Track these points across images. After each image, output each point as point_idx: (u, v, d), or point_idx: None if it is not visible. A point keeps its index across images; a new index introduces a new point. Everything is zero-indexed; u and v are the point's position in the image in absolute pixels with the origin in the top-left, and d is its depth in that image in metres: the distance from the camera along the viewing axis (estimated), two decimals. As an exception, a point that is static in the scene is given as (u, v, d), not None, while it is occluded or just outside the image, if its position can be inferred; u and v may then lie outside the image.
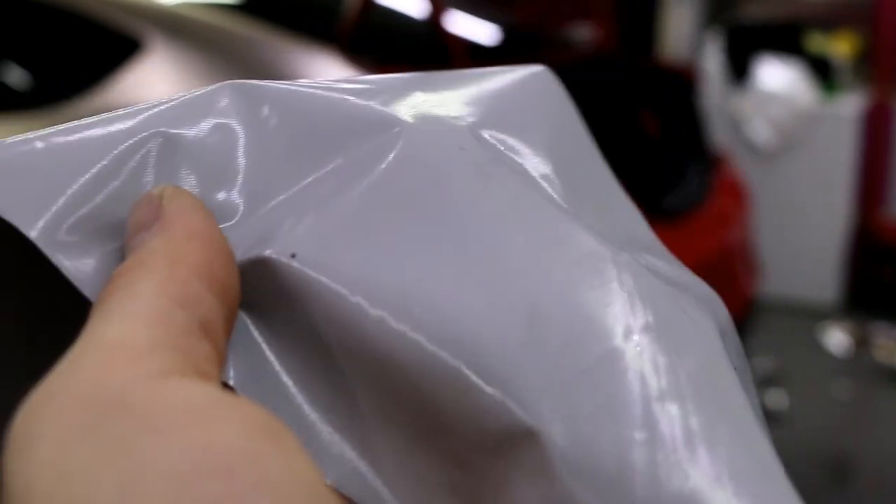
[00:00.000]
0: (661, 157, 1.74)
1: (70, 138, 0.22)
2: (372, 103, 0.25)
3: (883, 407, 2.46)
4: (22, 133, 0.22)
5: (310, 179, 0.24)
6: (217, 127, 0.24)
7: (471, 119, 0.25)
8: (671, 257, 0.27)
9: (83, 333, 0.18)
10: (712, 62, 3.26)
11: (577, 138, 0.29)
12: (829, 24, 3.45)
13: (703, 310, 0.23)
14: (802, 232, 3.16)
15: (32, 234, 0.21)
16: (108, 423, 0.16)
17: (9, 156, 0.22)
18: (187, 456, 0.15)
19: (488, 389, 0.20)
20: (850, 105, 3.16)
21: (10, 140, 0.22)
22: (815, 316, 3.02)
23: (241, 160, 0.24)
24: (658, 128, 1.80)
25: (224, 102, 0.24)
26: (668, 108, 1.89)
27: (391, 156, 0.23)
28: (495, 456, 0.20)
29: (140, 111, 0.23)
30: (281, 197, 0.24)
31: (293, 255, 0.22)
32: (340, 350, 0.22)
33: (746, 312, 1.81)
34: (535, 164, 0.25)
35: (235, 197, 0.24)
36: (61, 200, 0.22)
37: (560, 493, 0.19)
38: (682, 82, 1.96)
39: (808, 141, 3.15)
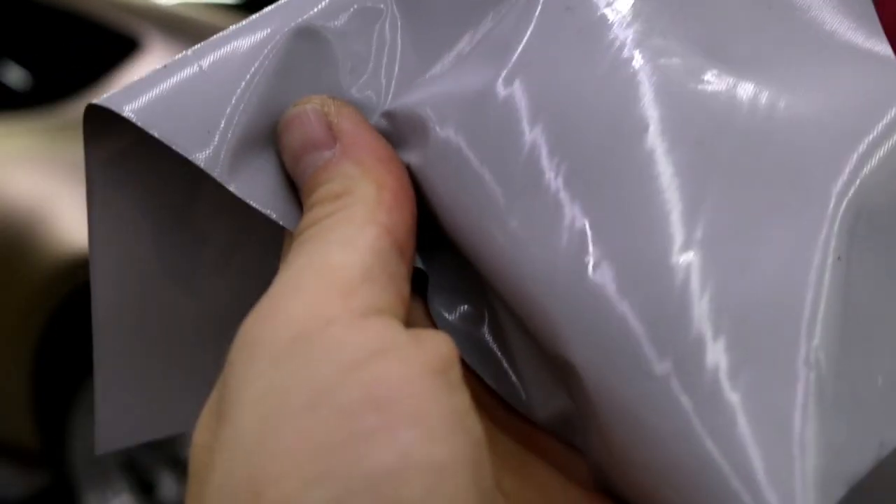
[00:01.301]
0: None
1: (218, 54, 0.23)
2: None
3: (884, 406, 2.46)
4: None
5: (440, 66, 0.23)
6: (353, 14, 0.24)
7: None
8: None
9: (300, 251, 0.20)
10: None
11: None
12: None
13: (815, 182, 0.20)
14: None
15: (200, 161, 0.22)
16: (309, 350, 0.18)
17: (168, 84, 0.22)
18: (357, 390, 0.17)
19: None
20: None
21: (164, 67, 0.23)
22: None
23: (373, 47, 0.24)
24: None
25: None
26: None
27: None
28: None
29: (274, 11, 0.23)
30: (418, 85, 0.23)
31: (408, 165, 0.22)
32: (463, 231, 0.22)
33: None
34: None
35: (372, 92, 0.24)
36: (221, 123, 0.22)
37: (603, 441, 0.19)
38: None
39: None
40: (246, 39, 0.23)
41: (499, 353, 0.23)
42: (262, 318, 0.19)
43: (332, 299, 0.19)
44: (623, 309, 0.19)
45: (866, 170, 0.20)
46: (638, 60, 0.21)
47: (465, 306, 0.23)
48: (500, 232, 0.21)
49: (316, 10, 0.23)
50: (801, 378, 0.18)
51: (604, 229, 0.19)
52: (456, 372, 0.18)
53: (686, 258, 0.19)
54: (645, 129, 0.20)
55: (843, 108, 0.21)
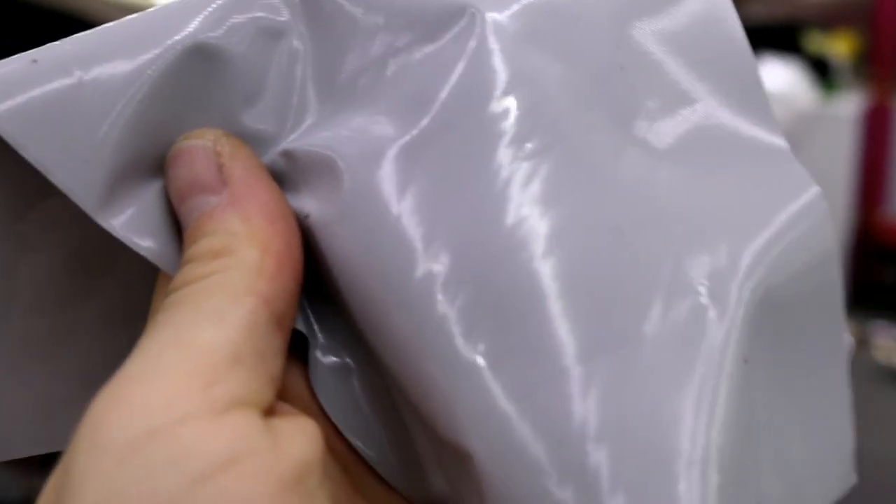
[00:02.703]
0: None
1: (99, 63, 0.20)
2: None
3: (883, 407, 2.46)
4: None
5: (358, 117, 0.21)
6: (251, 32, 0.21)
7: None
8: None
9: (167, 320, 0.19)
10: (711, 62, 3.26)
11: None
12: (828, 23, 3.45)
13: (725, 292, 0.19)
14: (802, 232, 3.15)
15: (77, 195, 0.20)
16: (157, 454, 0.17)
17: (43, 92, 0.20)
18: None
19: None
20: (850, 105, 3.17)
21: (35, 62, 0.20)
22: (814, 316, 3.01)
23: (273, 72, 0.22)
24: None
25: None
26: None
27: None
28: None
29: (160, 14, 0.21)
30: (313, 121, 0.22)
31: (307, 216, 0.21)
32: (353, 301, 0.21)
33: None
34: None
35: (268, 124, 0.22)
36: (98, 147, 0.20)
37: None
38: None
39: (808, 141, 3.15)
40: (129, 47, 0.21)
41: (374, 422, 0.22)
42: (113, 402, 0.18)
43: (193, 389, 0.17)
44: (524, 429, 0.18)
45: (768, 267, 0.20)
46: (561, 134, 0.20)
47: (343, 362, 0.22)
48: (409, 295, 0.19)
49: (207, 21, 0.21)
50: (695, 495, 0.18)
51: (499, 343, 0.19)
52: (315, 477, 0.18)
53: (569, 364, 0.18)
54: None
55: (745, 202, 0.21)
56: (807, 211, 0.22)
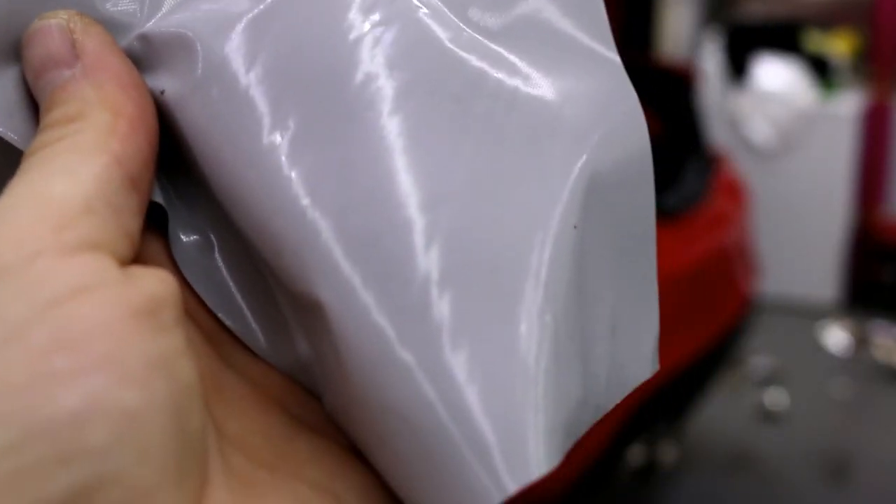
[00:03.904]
0: (660, 157, 1.73)
1: None
2: None
3: (883, 407, 2.46)
4: None
5: None
6: None
7: None
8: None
9: (22, 178, 0.19)
10: (711, 61, 3.27)
11: None
12: (828, 22, 3.45)
13: (566, 143, 0.21)
14: (802, 231, 3.16)
15: None
16: (8, 285, 0.17)
17: None
18: (50, 330, 0.16)
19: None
20: (849, 104, 3.17)
21: None
22: (814, 315, 3.03)
23: None
24: (656, 127, 1.80)
25: None
26: (667, 107, 1.89)
27: None
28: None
29: None
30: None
31: (162, 92, 0.21)
32: (207, 165, 0.21)
33: (745, 312, 1.81)
34: None
35: (126, 11, 0.22)
36: None
37: (345, 378, 0.19)
38: (681, 81, 1.95)
39: (807, 140, 3.15)
40: None
41: (237, 294, 0.22)
42: None
43: (44, 231, 0.18)
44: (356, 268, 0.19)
45: (600, 154, 0.21)
46: (401, 11, 0.21)
47: (204, 237, 0.22)
48: (258, 158, 0.20)
49: None
50: (534, 337, 0.18)
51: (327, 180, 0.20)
52: (169, 313, 0.18)
53: (413, 214, 0.19)
54: (397, 85, 0.20)
55: (579, 96, 0.22)
56: (630, 113, 0.22)
